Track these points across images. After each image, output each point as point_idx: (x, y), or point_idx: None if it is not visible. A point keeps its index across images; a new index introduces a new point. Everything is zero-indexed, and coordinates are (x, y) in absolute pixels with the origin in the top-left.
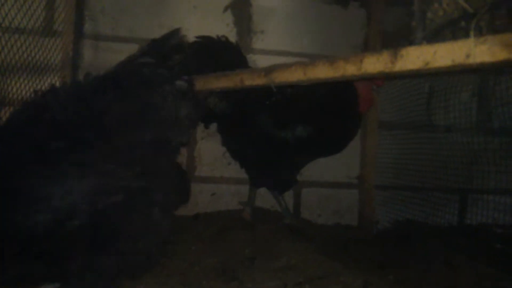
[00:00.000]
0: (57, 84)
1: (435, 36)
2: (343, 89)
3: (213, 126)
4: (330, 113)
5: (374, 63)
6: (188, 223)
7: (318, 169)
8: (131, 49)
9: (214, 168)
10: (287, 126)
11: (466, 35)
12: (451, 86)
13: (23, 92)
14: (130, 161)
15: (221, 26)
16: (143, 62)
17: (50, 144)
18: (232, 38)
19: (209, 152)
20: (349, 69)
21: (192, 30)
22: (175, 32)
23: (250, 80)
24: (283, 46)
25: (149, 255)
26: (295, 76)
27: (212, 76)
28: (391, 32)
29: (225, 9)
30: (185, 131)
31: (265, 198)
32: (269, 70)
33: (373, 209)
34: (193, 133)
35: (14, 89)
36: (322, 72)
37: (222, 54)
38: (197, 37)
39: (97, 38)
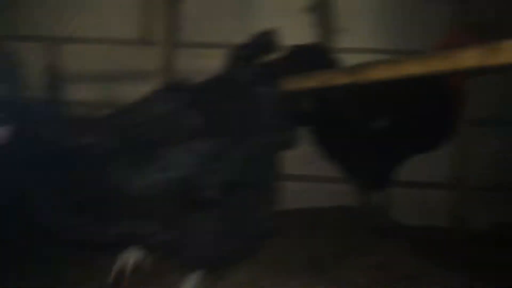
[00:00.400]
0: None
1: None
2: (437, 82)
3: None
4: (423, 105)
5: (470, 58)
6: (276, 219)
7: (409, 168)
8: (220, 53)
9: (295, 167)
10: (379, 121)
11: None
12: None
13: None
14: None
15: (303, 27)
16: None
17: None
18: (315, 38)
19: (295, 151)
20: (441, 65)
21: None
22: (268, 33)
23: (338, 79)
24: (368, 43)
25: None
26: (383, 73)
27: (302, 76)
28: (483, 24)
29: (308, 9)
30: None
31: (349, 196)
32: (357, 69)
33: (468, 210)
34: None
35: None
36: (413, 68)
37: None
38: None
39: (189, 45)
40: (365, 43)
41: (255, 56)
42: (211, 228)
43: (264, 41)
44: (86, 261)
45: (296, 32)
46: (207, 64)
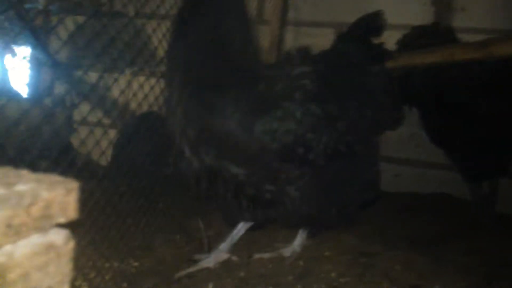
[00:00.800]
0: None
1: None
2: None
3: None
4: None
5: None
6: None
7: None
8: (328, 33)
9: (399, 149)
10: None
11: None
12: None
13: None
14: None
15: (418, 6)
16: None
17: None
18: (430, 17)
19: (395, 133)
20: None
21: (390, 12)
22: (375, 15)
23: (463, 54)
24: (486, 23)
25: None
26: None
27: (417, 52)
28: None
29: None
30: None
31: (450, 184)
32: (486, 43)
33: None
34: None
35: None
36: None
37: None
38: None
39: (298, 24)
40: (481, 23)
41: (363, 36)
42: (309, 188)
43: (371, 22)
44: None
45: (412, 11)
46: (316, 42)
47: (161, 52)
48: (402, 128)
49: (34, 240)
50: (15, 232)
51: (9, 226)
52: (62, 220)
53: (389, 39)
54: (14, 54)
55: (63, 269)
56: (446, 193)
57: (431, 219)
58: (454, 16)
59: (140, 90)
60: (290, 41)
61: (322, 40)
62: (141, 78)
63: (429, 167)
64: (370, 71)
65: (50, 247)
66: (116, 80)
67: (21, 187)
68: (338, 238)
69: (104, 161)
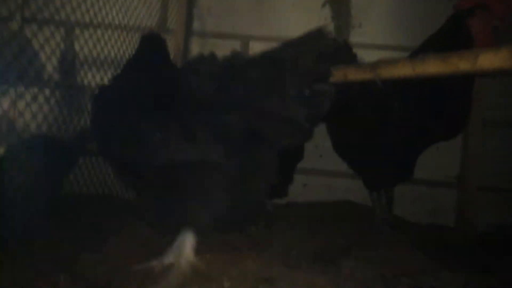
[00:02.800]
0: None
1: None
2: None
3: None
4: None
5: (491, 59)
6: (281, 211)
7: (418, 166)
8: (234, 45)
9: (306, 160)
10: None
11: None
12: None
13: None
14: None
15: (319, 21)
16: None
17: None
18: (331, 33)
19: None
20: (462, 65)
21: (291, 26)
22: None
23: (355, 75)
24: (382, 39)
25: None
26: (402, 71)
27: None
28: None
29: (324, 4)
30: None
31: (355, 191)
32: (375, 65)
33: (474, 211)
34: None
35: None
36: (433, 67)
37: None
38: None
39: (203, 35)
40: (377, 39)
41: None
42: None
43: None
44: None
45: (312, 26)
46: (222, 54)
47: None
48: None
49: None
50: None
51: None
52: None
53: None
54: None
55: None
56: (350, 200)
57: (336, 230)
58: (352, 32)
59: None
60: (196, 51)
61: (228, 52)
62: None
63: (333, 176)
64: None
65: None
66: None
67: None
68: (241, 264)
69: None
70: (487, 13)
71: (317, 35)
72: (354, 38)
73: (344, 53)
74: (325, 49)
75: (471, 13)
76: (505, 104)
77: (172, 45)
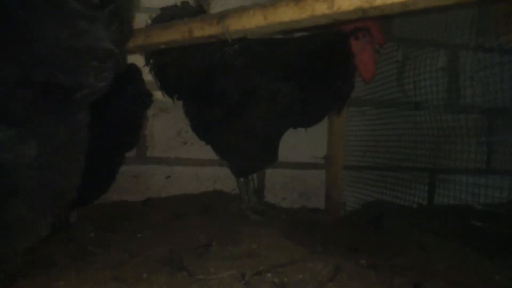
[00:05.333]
0: None
1: None
2: (334, 46)
3: (167, 102)
4: (315, 70)
5: None
6: (137, 210)
7: (282, 148)
8: None
9: (168, 149)
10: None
11: None
12: (424, 54)
13: None
14: None
15: None
16: None
17: None
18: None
19: (162, 131)
20: (318, 8)
21: None
22: None
23: (201, 30)
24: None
25: None
26: (253, 21)
27: (155, 28)
28: None
29: None
30: (104, 75)
31: (224, 180)
32: (222, 16)
33: (341, 190)
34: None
35: None
36: (287, 14)
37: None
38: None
39: None
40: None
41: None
42: None
43: None
44: None
45: None
46: None
47: None
48: (169, 124)
49: None
50: None
51: None
52: None
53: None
54: None
55: None
56: (219, 190)
57: (198, 225)
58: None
59: None
60: None
61: None
62: None
63: (200, 164)
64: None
65: None
66: None
67: None
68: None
69: None
70: (369, 36)
71: None
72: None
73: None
74: None
75: (354, 34)
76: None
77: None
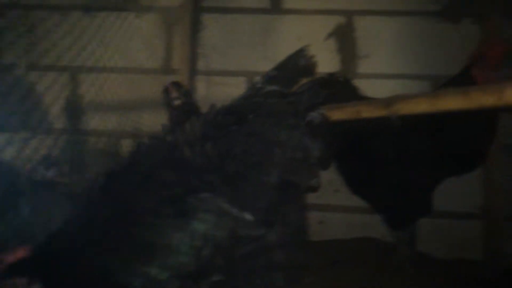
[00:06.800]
0: None
1: None
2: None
3: None
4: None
5: None
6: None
7: (438, 198)
8: (239, 81)
9: (320, 195)
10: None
11: None
12: None
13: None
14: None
15: (325, 54)
16: (269, 91)
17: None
18: (336, 64)
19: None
20: (487, 100)
21: None
22: (301, 51)
23: (368, 113)
24: (389, 69)
25: None
26: (420, 108)
27: (325, 108)
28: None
29: (328, 36)
30: (315, 174)
31: (374, 227)
32: (389, 102)
33: (502, 242)
34: None
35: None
36: (454, 103)
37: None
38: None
39: (208, 73)
40: (384, 69)
41: (291, 77)
42: None
43: (300, 60)
44: None
45: (321, 58)
46: (230, 91)
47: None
48: (321, 172)
49: None
50: None
51: None
52: None
53: None
54: None
55: None
56: (370, 237)
57: (355, 270)
58: (359, 63)
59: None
60: (203, 90)
61: (234, 89)
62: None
63: (350, 211)
64: (289, 125)
65: None
66: None
67: None
68: None
69: None
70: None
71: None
72: (362, 69)
73: (341, 86)
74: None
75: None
76: None
77: None
